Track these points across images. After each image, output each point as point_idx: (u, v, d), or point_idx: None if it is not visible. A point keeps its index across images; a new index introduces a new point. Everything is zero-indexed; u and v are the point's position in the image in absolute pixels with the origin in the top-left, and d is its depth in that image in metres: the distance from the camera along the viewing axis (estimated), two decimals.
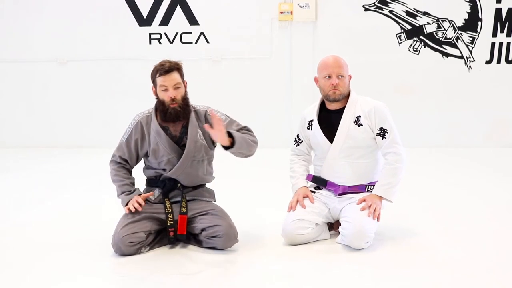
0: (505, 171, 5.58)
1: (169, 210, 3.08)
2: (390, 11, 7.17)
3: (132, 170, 3.29)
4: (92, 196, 4.64)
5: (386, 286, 2.58)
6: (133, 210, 3.03)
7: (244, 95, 7.46)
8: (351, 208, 3.12)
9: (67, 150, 7.37)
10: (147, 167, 3.24)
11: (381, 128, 3.14)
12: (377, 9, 7.18)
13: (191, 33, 7.50)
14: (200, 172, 3.17)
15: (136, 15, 7.53)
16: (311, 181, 3.34)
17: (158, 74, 3.04)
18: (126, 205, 3.08)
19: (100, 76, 7.69)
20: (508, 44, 7.10)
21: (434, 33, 7.15)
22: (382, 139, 3.14)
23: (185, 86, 3.12)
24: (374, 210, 3.05)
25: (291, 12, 7.18)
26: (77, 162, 6.58)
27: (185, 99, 3.08)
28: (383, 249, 3.05)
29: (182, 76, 3.09)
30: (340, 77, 3.15)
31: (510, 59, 7.13)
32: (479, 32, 7.10)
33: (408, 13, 7.15)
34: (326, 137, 3.21)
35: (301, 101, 6.74)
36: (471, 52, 7.15)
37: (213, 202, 3.24)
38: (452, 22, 7.11)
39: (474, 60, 7.16)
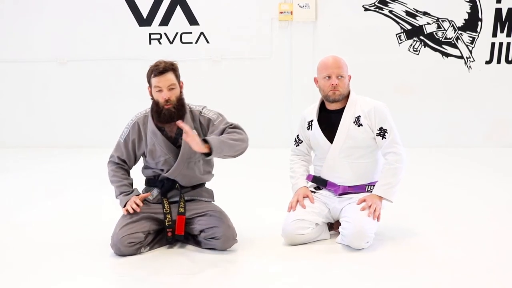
0: (505, 171, 5.58)
1: (167, 210, 3.07)
2: (390, 11, 7.16)
3: (131, 171, 3.28)
4: (92, 196, 4.64)
5: (386, 286, 2.58)
6: (131, 211, 3.02)
7: (244, 95, 7.45)
8: (351, 208, 3.12)
9: (67, 150, 7.37)
10: (145, 167, 3.23)
11: (381, 128, 3.14)
12: (377, 9, 7.18)
13: (191, 33, 7.50)
14: (197, 173, 3.15)
15: (136, 15, 7.53)
16: (311, 181, 3.34)
17: (152, 75, 3.00)
18: (124, 206, 3.08)
19: (100, 76, 7.68)
20: (508, 44, 7.10)
21: (434, 33, 7.15)
22: (382, 139, 3.14)
23: (181, 87, 3.08)
24: (374, 210, 3.05)
25: (291, 12, 7.18)
26: (77, 162, 6.58)
27: (180, 100, 3.03)
28: (383, 249, 3.05)
29: (177, 76, 3.04)
30: (339, 77, 3.15)
31: (510, 59, 7.13)
32: (479, 32, 7.10)
33: (408, 13, 7.14)
34: (326, 137, 3.21)
35: (301, 101, 6.74)
36: (471, 52, 7.15)
37: (212, 202, 3.23)
38: (452, 22, 7.11)
39: (474, 60, 7.16)
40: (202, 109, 3.13)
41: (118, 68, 7.63)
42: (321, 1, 7.20)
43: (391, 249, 3.06)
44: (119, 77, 7.65)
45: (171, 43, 7.53)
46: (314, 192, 3.30)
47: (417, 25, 7.15)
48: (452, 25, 7.11)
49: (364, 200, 3.11)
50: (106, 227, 3.21)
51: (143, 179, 3.26)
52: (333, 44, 7.09)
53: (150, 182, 3.22)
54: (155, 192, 3.18)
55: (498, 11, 7.05)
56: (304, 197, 3.23)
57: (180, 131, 3.05)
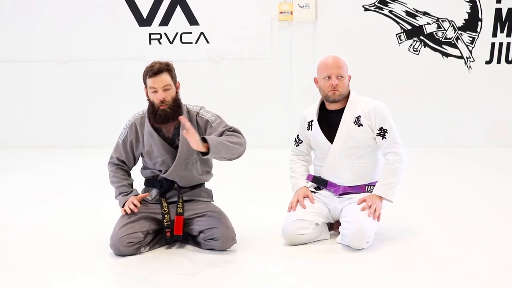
0: (505, 171, 5.58)
1: (166, 211, 3.07)
2: (390, 11, 7.16)
3: (131, 171, 3.29)
4: (92, 196, 4.64)
5: (386, 286, 2.58)
6: (129, 212, 3.02)
7: (244, 95, 7.45)
8: (351, 208, 3.12)
9: (67, 150, 7.37)
10: (144, 168, 3.23)
11: (381, 128, 3.14)
12: (377, 9, 7.18)
13: (191, 33, 7.50)
14: (195, 173, 3.14)
15: (136, 15, 7.52)
16: (311, 181, 3.34)
17: (147, 76, 2.99)
18: (123, 206, 3.08)
19: (100, 76, 7.68)
20: (508, 44, 7.10)
21: (434, 33, 7.15)
22: (382, 139, 3.14)
23: (177, 87, 3.06)
24: (374, 210, 3.05)
25: (291, 12, 7.18)
26: (77, 162, 6.58)
27: (176, 100, 3.01)
28: (383, 249, 3.05)
29: (173, 77, 3.02)
30: (339, 77, 3.15)
31: (510, 59, 7.13)
32: (479, 32, 7.10)
33: (408, 13, 7.14)
34: (326, 138, 3.21)
35: (301, 101, 6.74)
36: (471, 52, 7.15)
37: (211, 202, 3.23)
38: (452, 22, 7.11)
39: (474, 60, 7.16)
40: (200, 110, 3.11)
41: (118, 68, 7.63)
42: (321, 1, 7.20)
43: (391, 249, 3.06)
44: (119, 77, 7.64)
45: (171, 43, 7.53)
46: (314, 192, 3.30)
47: (417, 25, 7.15)
48: (452, 25, 7.11)
49: (364, 200, 3.11)
50: (106, 227, 3.21)
51: (142, 179, 3.26)
52: (333, 44, 7.09)
53: (149, 183, 3.22)
54: (154, 192, 3.18)
55: (498, 11, 7.05)
56: (304, 197, 3.23)
57: (177, 132, 3.06)
